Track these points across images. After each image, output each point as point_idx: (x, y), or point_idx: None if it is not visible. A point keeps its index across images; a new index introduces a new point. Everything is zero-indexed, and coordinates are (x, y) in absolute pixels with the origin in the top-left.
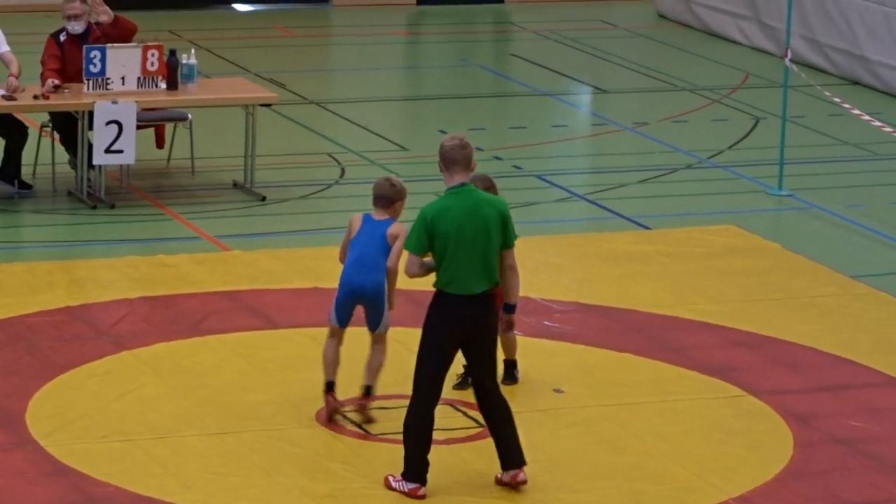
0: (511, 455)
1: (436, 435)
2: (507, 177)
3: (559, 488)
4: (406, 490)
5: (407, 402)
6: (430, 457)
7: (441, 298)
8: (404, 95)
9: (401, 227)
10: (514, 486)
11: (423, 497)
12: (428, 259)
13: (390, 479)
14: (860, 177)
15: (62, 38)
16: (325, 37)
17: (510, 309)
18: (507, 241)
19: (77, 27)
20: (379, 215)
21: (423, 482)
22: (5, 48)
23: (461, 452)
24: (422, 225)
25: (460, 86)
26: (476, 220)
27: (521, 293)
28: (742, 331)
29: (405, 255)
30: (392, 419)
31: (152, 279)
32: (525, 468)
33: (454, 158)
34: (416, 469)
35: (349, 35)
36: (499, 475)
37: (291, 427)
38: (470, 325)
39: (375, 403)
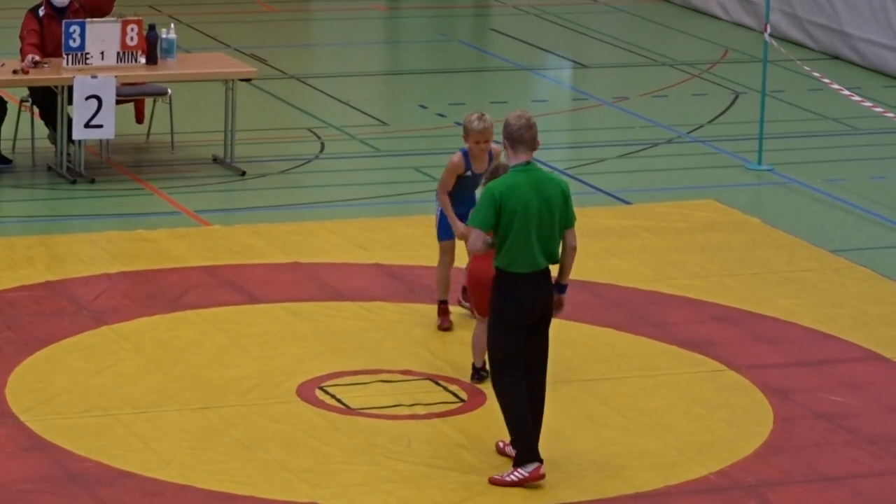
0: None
1: (416, 409)
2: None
3: (548, 462)
4: (527, 475)
5: (393, 378)
6: (415, 431)
7: (506, 279)
8: (384, 70)
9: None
10: (542, 476)
11: (542, 476)
12: (490, 237)
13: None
14: (840, 151)
15: (41, 12)
16: (305, 11)
17: (562, 289)
18: (568, 220)
19: (62, 0)
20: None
21: (537, 460)
22: None
23: (441, 426)
24: (490, 201)
25: (440, 60)
26: (541, 198)
27: None
28: (722, 305)
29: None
30: (371, 394)
31: (132, 254)
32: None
33: (521, 138)
34: (524, 450)
35: (329, 10)
36: (500, 443)
37: (271, 402)
38: (536, 305)
39: (353, 379)
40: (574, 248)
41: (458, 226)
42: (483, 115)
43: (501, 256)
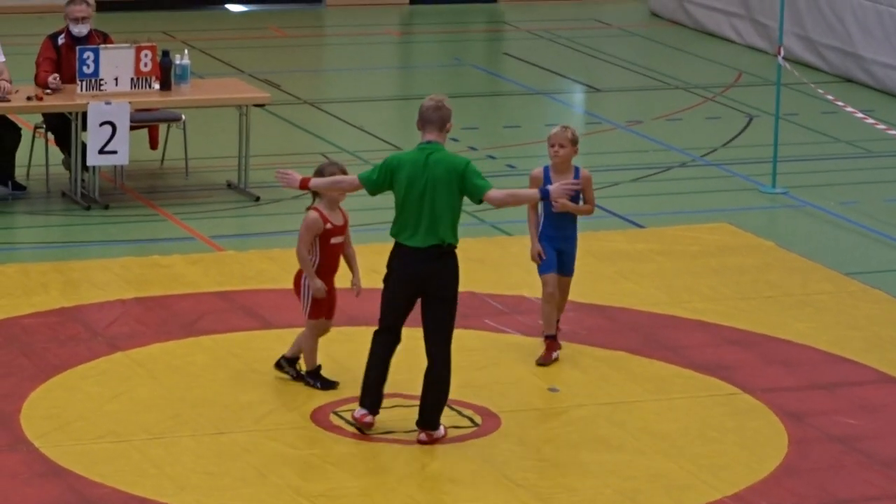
0: (423, 419)
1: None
2: (501, 176)
3: (554, 487)
4: (356, 416)
5: (408, 403)
6: (430, 456)
7: (394, 246)
8: (397, 95)
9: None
10: (420, 442)
11: (367, 424)
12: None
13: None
14: (854, 174)
15: (60, 40)
16: (319, 37)
17: (545, 193)
18: (476, 192)
19: (83, 29)
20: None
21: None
22: (1, 58)
23: (455, 451)
24: (381, 165)
25: (453, 85)
26: (429, 177)
27: (515, 292)
28: (736, 329)
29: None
30: (385, 418)
31: (146, 280)
32: (430, 433)
33: (429, 118)
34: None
35: (342, 35)
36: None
37: (285, 427)
38: (416, 279)
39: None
40: (502, 199)
41: (535, 245)
42: (567, 125)
43: (392, 225)
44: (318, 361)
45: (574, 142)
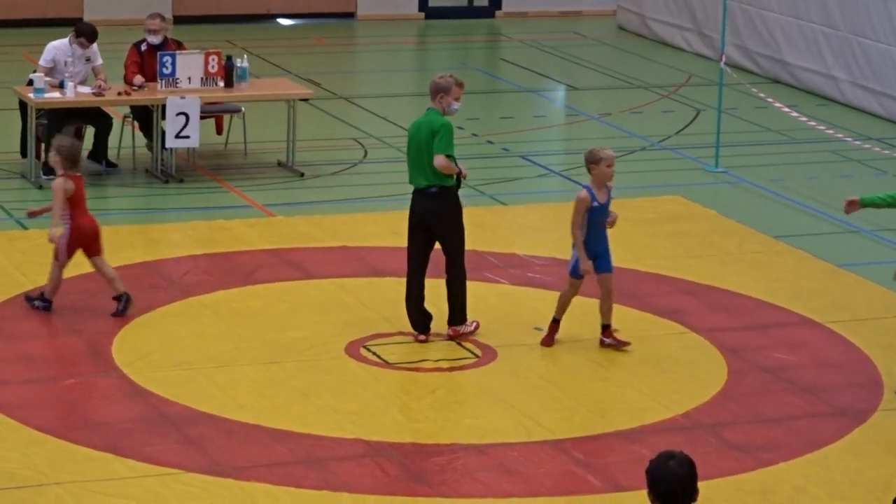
0: (452, 316)
1: (440, 364)
2: (497, 157)
3: (539, 407)
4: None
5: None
6: (439, 382)
7: (412, 192)
8: (415, 92)
9: (576, 198)
10: (449, 337)
11: (421, 340)
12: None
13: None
14: (780, 157)
15: (143, 47)
16: (351, 45)
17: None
18: (433, 147)
19: (155, 39)
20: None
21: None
22: (99, 61)
23: (459, 378)
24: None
25: None
26: (420, 134)
27: (507, 250)
28: (686, 280)
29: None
30: (404, 352)
31: (212, 239)
32: (457, 328)
33: (429, 90)
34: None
35: (370, 43)
36: (448, 331)
37: (324, 358)
38: (417, 214)
39: (390, 340)
40: (438, 166)
41: (585, 262)
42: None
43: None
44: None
45: None
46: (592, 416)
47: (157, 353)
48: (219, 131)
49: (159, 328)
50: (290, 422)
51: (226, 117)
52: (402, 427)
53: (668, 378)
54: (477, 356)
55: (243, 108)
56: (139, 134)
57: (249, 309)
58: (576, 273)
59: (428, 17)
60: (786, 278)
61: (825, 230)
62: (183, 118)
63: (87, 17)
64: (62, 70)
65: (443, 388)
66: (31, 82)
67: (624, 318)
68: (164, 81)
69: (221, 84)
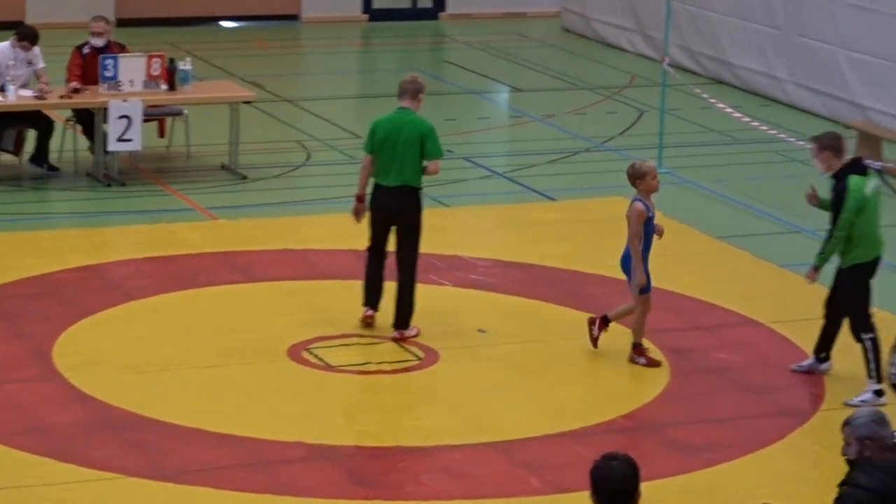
0: (399, 319)
1: (382, 366)
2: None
3: (484, 409)
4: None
5: (364, 342)
6: (381, 385)
7: (375, 187)
8: (359, 94)
9: (632, 210)
10: (394, 339)
11: (367, 317)
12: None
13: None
14: (723, 157)
15: (85, 50)
16: (295, 47)
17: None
18: (428, 154)
19: (99, 42)
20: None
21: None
22: (41, 64)
23: (402, 380)
24: (370, 129)
25: None
26: (401, 134)
27: (450, 252)
28: None
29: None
30: (347, 354)
31: (155, 243)
32: (402, 332)
33: (404, 89)
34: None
35: (314, 46)
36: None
37: (267, 362)
38: (384, 211)
39: (333, 342)
40: (433, 172)
41: (642, 276)
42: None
43: (373, 169)
44: None
45: None
46: (536, 417)
47: (100, 356)
48: (161, 134)
49: (102, 332)
50: (234, 425)
51: (168, 120)
52: (345, 430)
53: (611, 379)
54: (420, 358)
55: (186, 111)
56: (81, 137)
57: (192, 312)
58: (644, 289)
59: (372, 18)
60: (729, 279)
61: (769, 230)
62: (125, 121)
63: (29, 20)
64: (4, 73)
65: (386, 390)
66: None
67: (567, 319)
68: (106, 84)
69: (164, 87)
